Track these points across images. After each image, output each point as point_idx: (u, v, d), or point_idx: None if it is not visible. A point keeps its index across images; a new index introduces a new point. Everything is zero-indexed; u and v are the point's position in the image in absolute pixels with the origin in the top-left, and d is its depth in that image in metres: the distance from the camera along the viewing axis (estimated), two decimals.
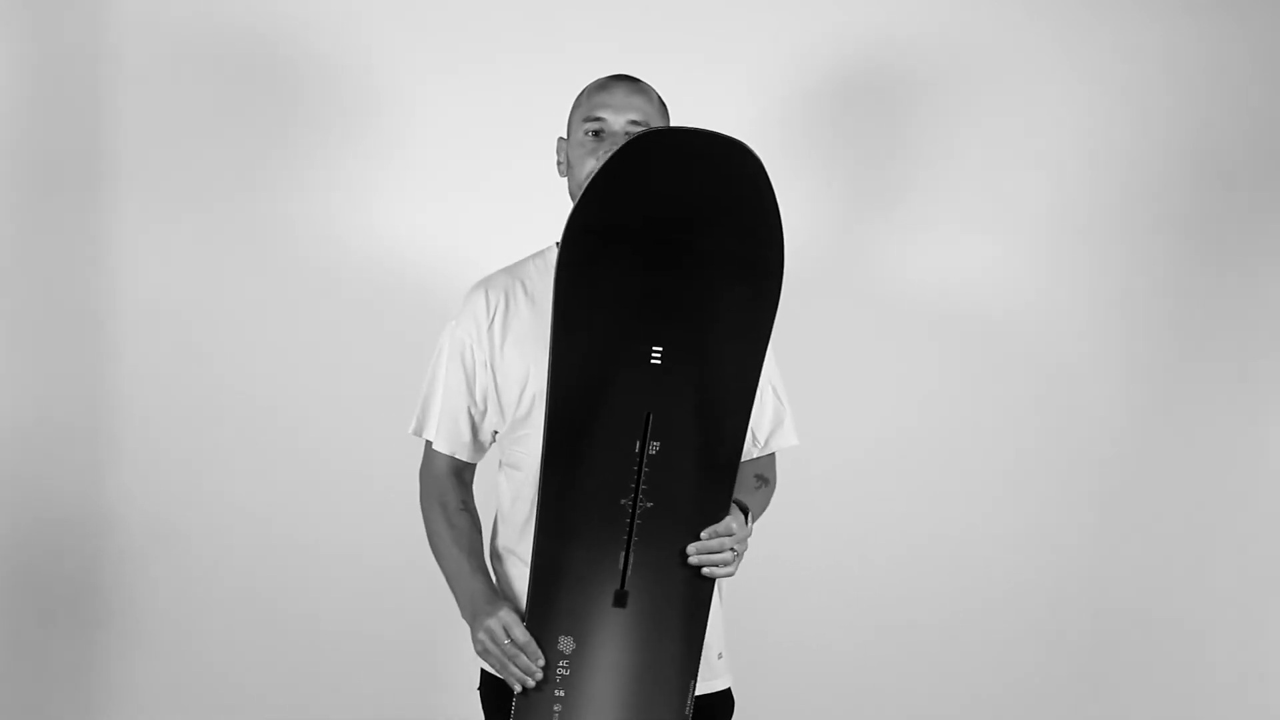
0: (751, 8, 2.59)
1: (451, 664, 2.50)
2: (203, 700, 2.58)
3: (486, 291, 1.70)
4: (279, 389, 2.57)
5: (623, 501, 1.55)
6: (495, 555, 1.74)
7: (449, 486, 1.73)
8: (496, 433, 1.73)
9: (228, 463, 2.57)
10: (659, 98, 1.72)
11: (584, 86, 1.72)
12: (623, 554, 1.55)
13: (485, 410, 1.71)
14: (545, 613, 1.57)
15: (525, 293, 1.69)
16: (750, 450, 1.77)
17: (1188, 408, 2.68)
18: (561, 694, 1.55)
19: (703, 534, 1.56)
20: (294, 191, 2.55)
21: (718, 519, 1.56)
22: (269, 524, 2.57)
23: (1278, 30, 2.64)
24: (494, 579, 1.70)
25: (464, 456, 1.73)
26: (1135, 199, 2.66)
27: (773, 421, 1.78)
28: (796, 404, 1.85)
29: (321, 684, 2.59)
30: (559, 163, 1.73)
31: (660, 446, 1.55)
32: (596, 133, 1.65)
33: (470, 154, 2.54)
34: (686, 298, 1.53)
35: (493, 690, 1.70)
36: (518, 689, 1.56)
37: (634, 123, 1.65)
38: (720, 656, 1.71)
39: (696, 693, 1.63)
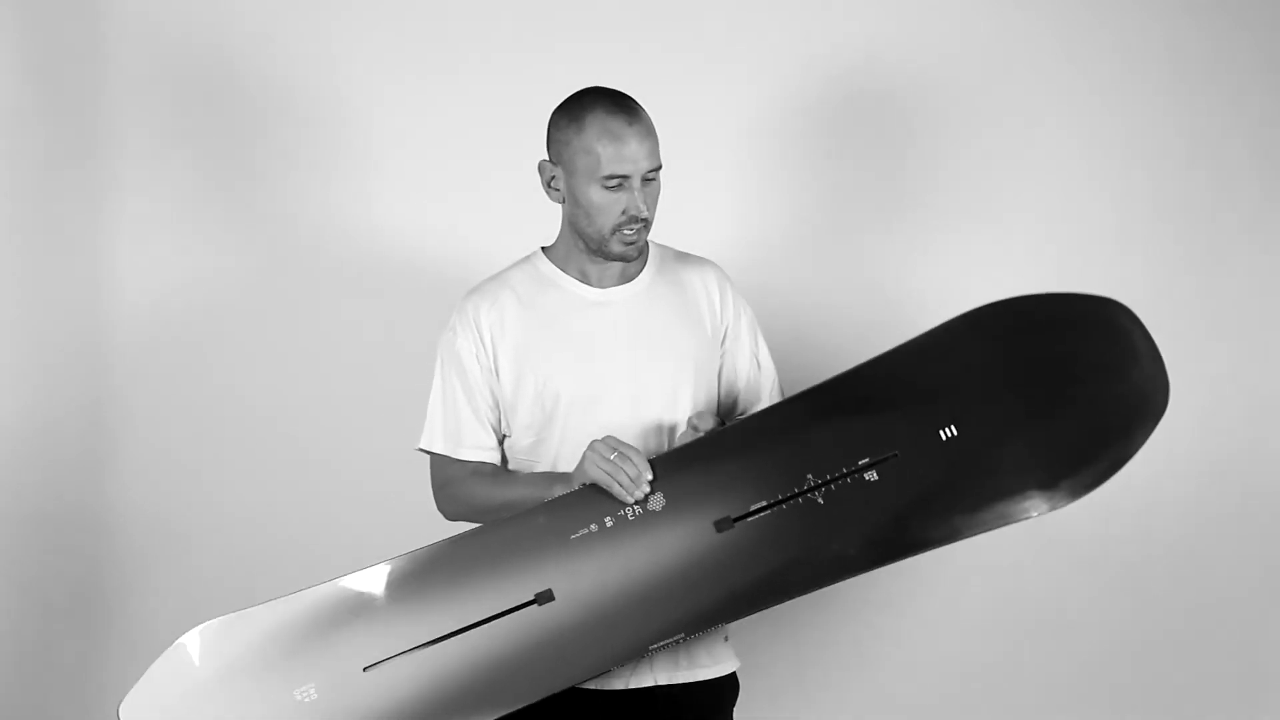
0: (754, 10, 2.60)
1: None
2: None
3: (479, 301, 1.71)
4: (280, 391, 2.57)
5: (809, 475, 1.56)
6: None
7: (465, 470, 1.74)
8: (505, 437, 1.75)
9: (228, 464, 2.56)
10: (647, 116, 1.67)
11: (577, 110, 1.64)
12: (765, 504, 1.55)
13: (496, 415, 1.73)
14: (673, 463, 1.57)
15: (517, 299, 1.71)
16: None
17: (1187, 407, 2.68)
18: (610, 524, 1.55)
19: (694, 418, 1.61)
20: (295, 192, 2.55)
21: (848, 571, 1.56)
22: (270, 526, 2.57)
23: (1278, 30, 2.65)
24: None
25: (488, 459, 1.73)
26: (1134, 198, 2.66)
27: (767, 387, 1.82)
28: None
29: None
30: (553, 189, 1.69)
31: (876, 481, 1.57)
32: (617, 186, 1.62)
33: (470, 155, 2.55)
34: (1013, 423, 1.61)
35: None
36: (628, 499, 1.55)
37: (652, 171, 1.63)
38: (726, 639, 1.72)
39: (703, 678, 1.66)
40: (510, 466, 1.75)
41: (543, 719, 1.61)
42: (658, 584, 1.53)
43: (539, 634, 1.51)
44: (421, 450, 1.76)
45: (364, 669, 1.48)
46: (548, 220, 1.81)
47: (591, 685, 1.63)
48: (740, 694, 1.76)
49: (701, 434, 1.61)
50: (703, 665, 1.68)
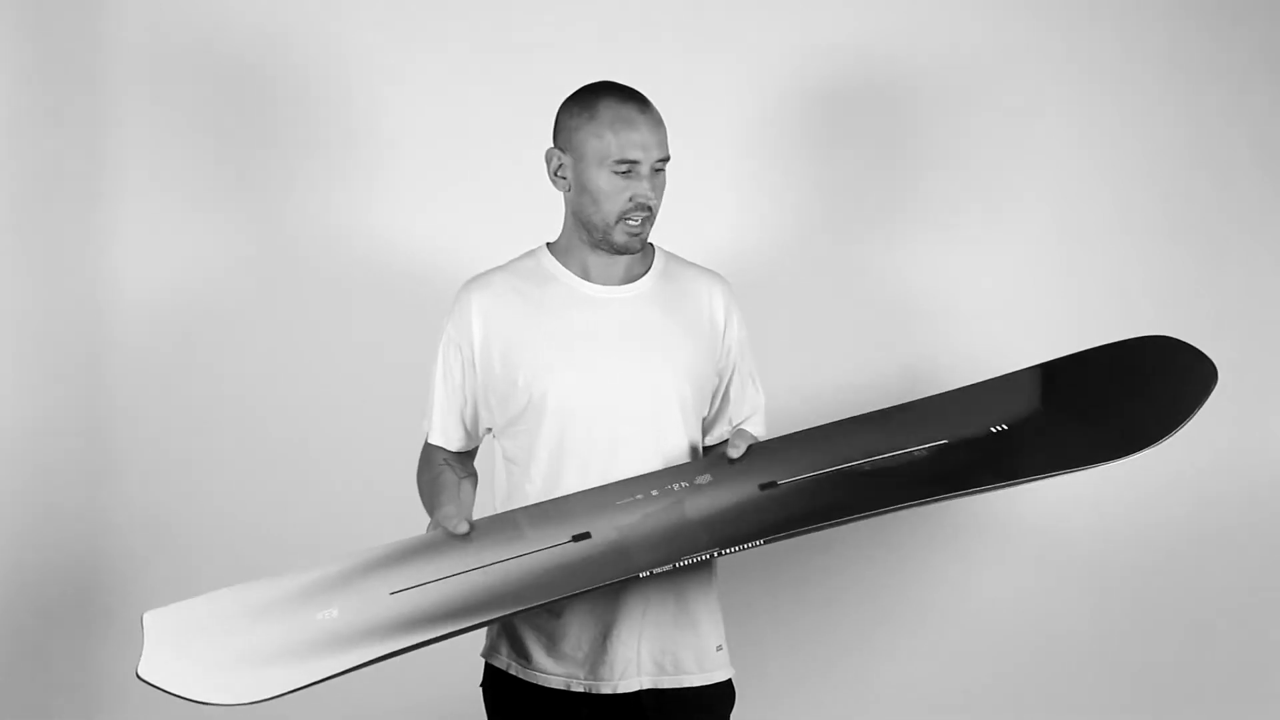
0: (755, 5, 2.59)
1: (453, 664, 2.49)
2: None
3: (477, 291, 1.70)
4: (279, 392, 2.57)
5: (864, 460, 1.62)
6: None
7: (437, 457, 1.78)
8: (490, 429, 1.75)
9: (228, 465, 2.57)
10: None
11: (590, 98, 1.65)
12: (812, 472, 1.60)
13: (477, 408, 1.72)
14: (719, 461, 1.63)
15: (514, 290, 1.69)
16: (725, 433, 1.80)
17: None
18: (654, 494, 1.59)
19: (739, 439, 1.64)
20: (295, 194, 2.55)
21: (896, 500, 1.57)
22: (269, 526, 2.57)
23: (1278, 30, 2.65)
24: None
25: (454, 448, 1.77)
26: (1137, 197, 2.66)
27: (750, 409, 1.82)
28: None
29: (321, 686, 2.58)
30: (559, 177, 1.68)
31: (926, 456, 1.62)
32: (626, 172, 1.63)
33: (473, 156, 2.54)
34: (1059, 417, 1.68)
35: (495, 687, 1.72)
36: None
37: (661, 161, 1.64)
38: (719, 649, 1.71)
39: (690, 685, 1.67)
40: (503, 451, 1.74)
41: (531, 719, 1.64)
42: (696, 520, 1.56)
43: (571, 560, 1.52)
44: None
45: (391, 593, 1.48)
46: (552, 221, 1.81)
47: (579, 688, 1.65)
48: (737, 702, 1.75)
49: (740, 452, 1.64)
50: (689, 672, 1.68)
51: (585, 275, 1.70)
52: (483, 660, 1.75)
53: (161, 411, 2.55)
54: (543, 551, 1.53)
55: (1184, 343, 1.72)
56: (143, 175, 2.52)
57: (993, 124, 2.62)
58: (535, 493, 1.67)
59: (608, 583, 1.48)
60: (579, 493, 1.62)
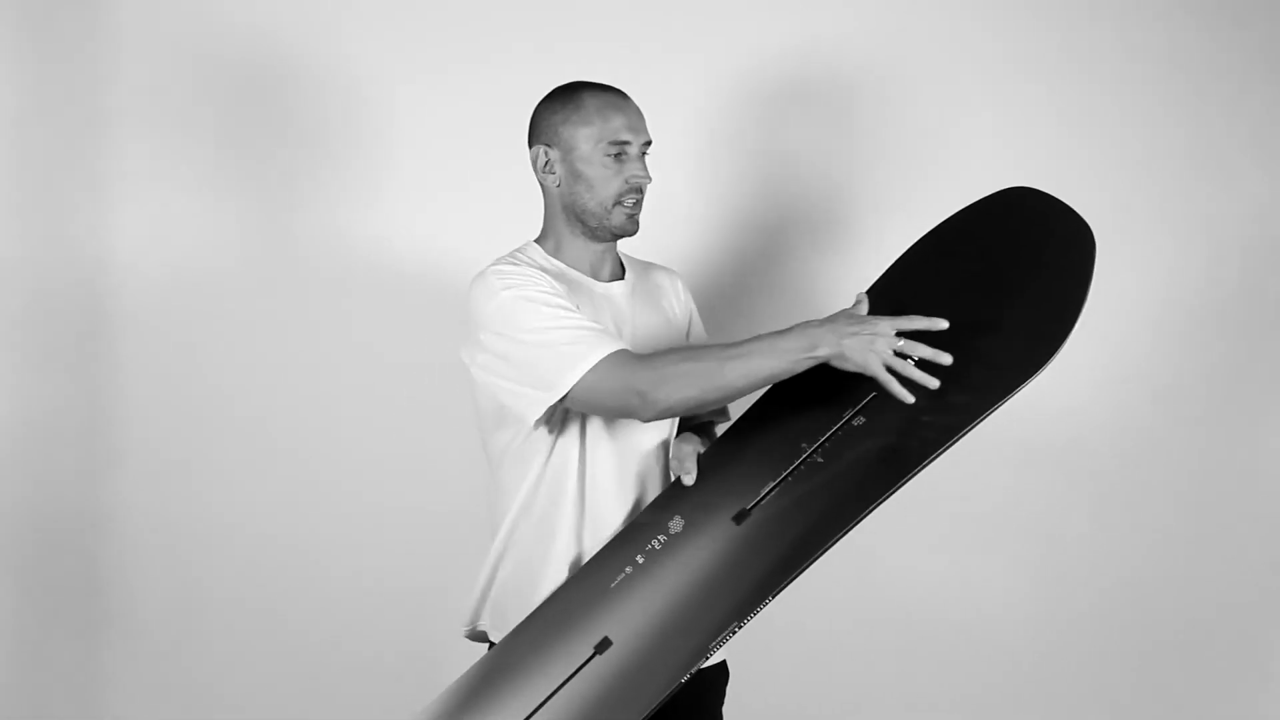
0: (757, 5, 2.59)
1: (452, 670, 2.49)
2: (202, 701, 2.58)
3: (517, 260, 1.67)
4: (279, 391, 2.57)
5: (803, 444, 1.62)
6: (501, 554, 1.73)
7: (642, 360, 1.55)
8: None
9: (228, 465, 2.56)
10: None
11: (571, 93, 1.68)
12: (773, 483, 1.60)
13: None
14: (680, 491, 1.63)
15: (542, 277, 1.70)
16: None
17: (1186, 408, 2.68)
18: (641, 561, 1.59)
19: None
20: (295, 193, 2.55)
21: (866, 502, 1.55)
22: (268, 526, 2.57)
23: (1278, 30, 2.64)
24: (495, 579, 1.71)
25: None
26: (1134, 199, 2.66)
27: None
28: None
29: (320, 687, 2.59)
30: (549, 173, 1.68)
31: (864, 424, 1.61)
32: (618, 155, 1.65)
33: (473, 160, 2.54)
34: (968, 327, 1.61)
35: None
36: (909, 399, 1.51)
37: (646, 144, 1.68)
38: None
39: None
40: (505, 463, 1.71)
41: None
42: (700, 591, 1.57)
43: (609, 679, 1.54)
44: (569, 384, 1.54)
45: None
46: (536, 220, 1.81)
47: None
48: (731, 681, 1.79)
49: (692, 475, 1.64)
50: None
51: (583, 270, 1.72)
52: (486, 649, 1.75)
53: (161, 411, 2.55)
54: (578, 676, 1.54)
55: (1041, 192, 1.70)
56: (143, 174, 2.52)
57: (991, 123, 2.62)
58: (567, 480, 1.67)
59: (659, 702, 1.52)
60: (568, 583, 1.61)
